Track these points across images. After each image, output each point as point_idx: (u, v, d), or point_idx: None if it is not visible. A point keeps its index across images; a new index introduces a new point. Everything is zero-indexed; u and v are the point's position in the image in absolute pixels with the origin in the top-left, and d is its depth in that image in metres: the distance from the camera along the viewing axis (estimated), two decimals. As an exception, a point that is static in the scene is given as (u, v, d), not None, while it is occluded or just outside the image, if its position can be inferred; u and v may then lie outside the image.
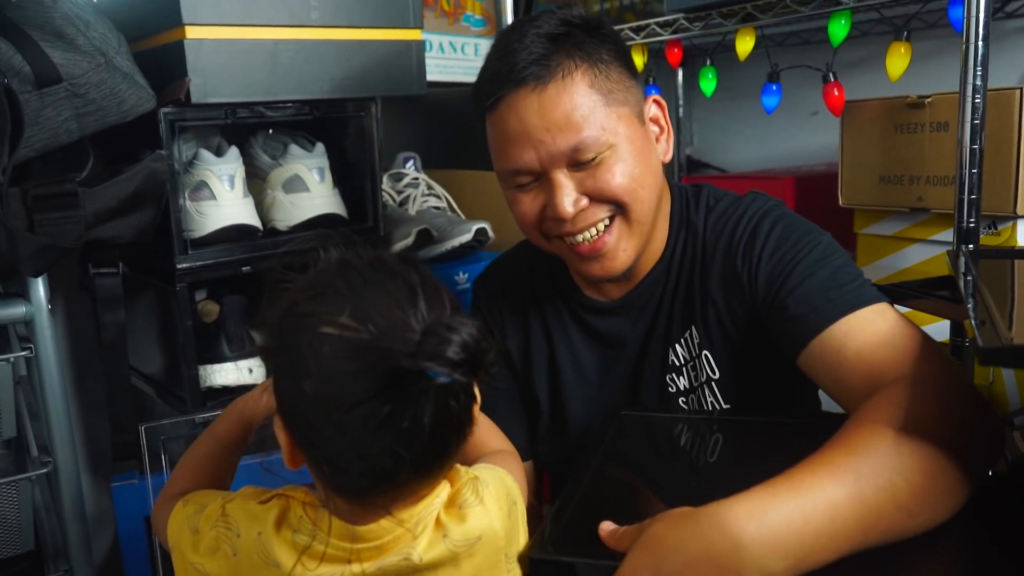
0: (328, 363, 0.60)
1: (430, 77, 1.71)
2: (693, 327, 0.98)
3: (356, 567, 0.64)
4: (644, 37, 1.46)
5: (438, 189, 1.59)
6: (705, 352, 0.97)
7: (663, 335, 1.00)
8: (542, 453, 1.11)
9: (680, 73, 2.03)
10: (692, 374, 0.99)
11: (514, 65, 0.88)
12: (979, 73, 1.01)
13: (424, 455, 0.63)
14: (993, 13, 1.43)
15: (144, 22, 1.16)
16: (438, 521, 0.67)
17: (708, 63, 1.47)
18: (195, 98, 1.09)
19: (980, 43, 1.00)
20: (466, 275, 1.47)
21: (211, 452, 0.81)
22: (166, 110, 1.10)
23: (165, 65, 1.12)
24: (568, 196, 0.89)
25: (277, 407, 0.66)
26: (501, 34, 0.96)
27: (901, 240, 1.26)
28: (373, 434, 0.60)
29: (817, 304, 0.85)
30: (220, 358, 1.23)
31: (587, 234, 0.92)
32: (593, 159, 0.89)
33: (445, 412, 0.61)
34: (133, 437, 1.09)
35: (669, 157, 0.96)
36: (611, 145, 0.89)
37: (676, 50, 1.48)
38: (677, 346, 0.99)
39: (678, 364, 1.00)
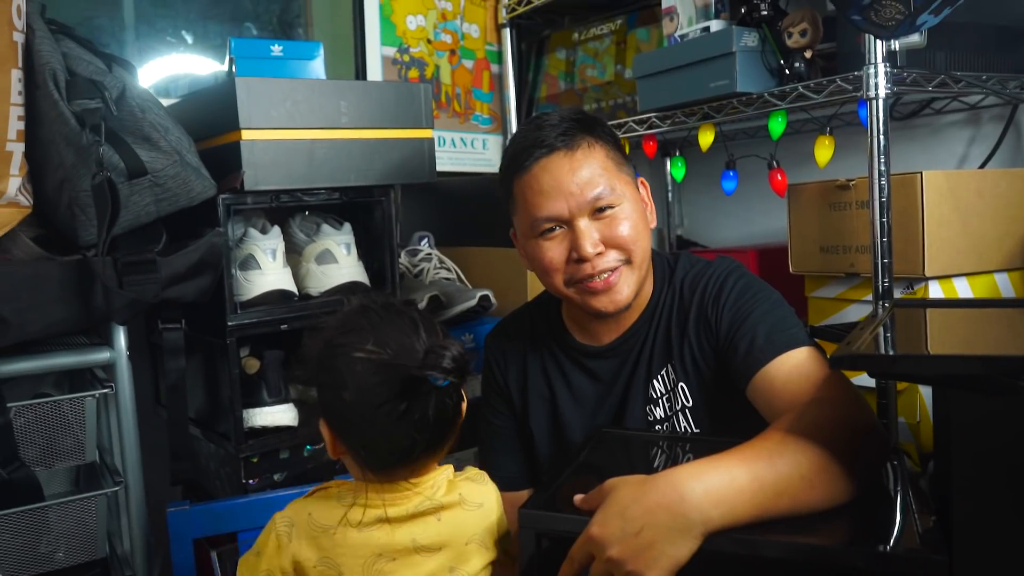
0: (361, 378, 0.86)
1: (443, 168, 1.99)
2: (669, 365, 1.18)
3: (392, 509, 0.90)
4: (624, 132, 1.71)
5: (448, 263, 1.83)
6: (681, 384, 1.17)
7: (645, 372, 1.20)
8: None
9: (667, 163, 2.28)
10: (667, 404, 1.19)
11: (547, 137, 1.13)
12: (882, 160, 1.24)
13: (430, 438, 0.89)
14: (920, 110, 1.67)
15: (208, 127, 1.42)
16: (450, 482, 0.93)
17: (677, 154, 1.72)
18: (248, 186, 1.35)
19: (881, 137, 1.23)
20: (471, 336, 1.69)
21: None
22: (224, 196, 1.36)
23: (224, 160, 1.37)
24: (590, 239, 1.11)
25: (322, 412, 0.92)
26: (525, 123, 1.20)
27: (842, 301, 1.47)
28: (395, 424, 0.86)
29: (761, 346, 1.07)
30: (260, 403, 1.44)
31: (600, 277, 1.13)
32: (609, 210, 1.11)
33: (443, 407, 0.87)
34: (189, 465, 1.30)
35: (653, 225, 1.19)
36: (621, 202, 1.12)
37: (651, 143, 1.73)
38: (655, 381, 1.19)
39: (655, 396, 1.20)
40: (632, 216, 1.13)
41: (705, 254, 1.99)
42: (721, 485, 0.83)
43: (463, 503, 0.93)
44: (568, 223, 1.12)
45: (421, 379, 0.83)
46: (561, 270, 1.14)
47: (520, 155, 1.14)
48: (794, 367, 1.04)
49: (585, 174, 1.11)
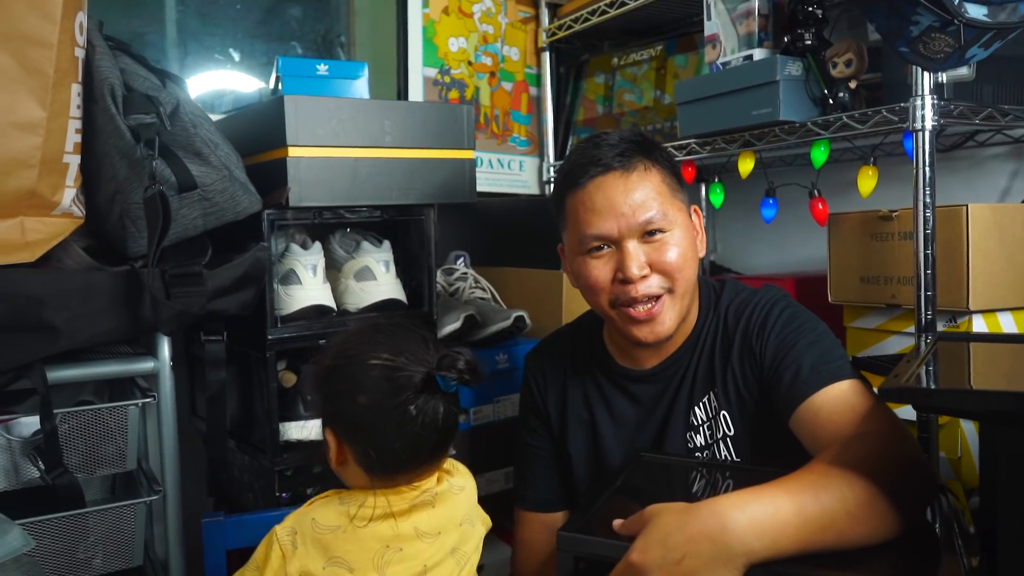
0: (378, 382, 0.93)
1: (481, 188, 1.99)
2: (712, 392, 1.18)
3: (395, 506, 0.96)
4: (663, 158, 1.72)
5: (484, 283, 1.83)
6: (723, 412, 1.16)
7: (686, 399, 1.19)
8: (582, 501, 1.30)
9: (702, 188, 2.28)
10: (708, 432, 1.18)
11: (604, 156, 1.13)
12: (928, 192, 1.23)
13: (437, 442, 0.96)
14: (963, 143, 1.66)
15: (255, 143, 1.45)
16: (439, 476, 1.00)
17: (716, 180, 1.72)
18: (292, 202, 1.36)
19: (927, 168, 1.22)
20: (506, 356, 1.70)
21: None
22: (268, 211, 1.37)
23: (269, 175, 1.39)
24: (636, 262, 1.11)
25: (330, 421, 0.98)
26: (584, 140, 1.20)
27: (882, 332, 1.46)
28: (407, 425, 0.92)
29: (806, 377, 1.06)
30: (296, 417, 1.45)
31: (643, 307, 1.13)
32: (659, 234, 1.11)
33: (448, 412, 0.96)
34: (226, 476, 1.32)
35: (703, 254, 1.19)
36: (671, 228, 1.12)
37: (690, 169, 1.73)
38: (697, 408, 1.19)
39: (696, 424, 1.19)
40: (681, 244, 1.13)
41: (750, 281, 1.98)
42: (765, 516, 0.82)
43: (450, 489, 1.01)
44: (617, 243, 1.12)
45: (435, 382, 0.91)
46: (606, 290, 1.14)
47: (575, 171, 1.15)
48: (839, 399, 1.03)
49: (638, 196, 1.11)
